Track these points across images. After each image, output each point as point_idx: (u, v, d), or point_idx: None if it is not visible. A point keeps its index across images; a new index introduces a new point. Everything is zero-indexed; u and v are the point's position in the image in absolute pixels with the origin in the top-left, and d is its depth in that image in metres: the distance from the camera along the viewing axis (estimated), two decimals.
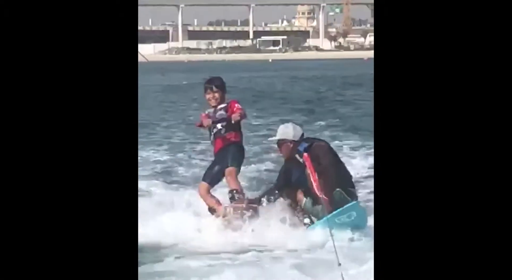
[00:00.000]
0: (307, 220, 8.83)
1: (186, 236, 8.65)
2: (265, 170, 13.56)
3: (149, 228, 8.53)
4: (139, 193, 8.13)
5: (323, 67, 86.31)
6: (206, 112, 9.45)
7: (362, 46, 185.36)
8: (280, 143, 9.06)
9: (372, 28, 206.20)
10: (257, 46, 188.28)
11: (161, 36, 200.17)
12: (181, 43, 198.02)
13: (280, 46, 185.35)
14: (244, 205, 8.82)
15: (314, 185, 8.65)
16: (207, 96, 9.40)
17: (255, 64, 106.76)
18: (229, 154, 9.23)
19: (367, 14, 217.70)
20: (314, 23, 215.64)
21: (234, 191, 9.03)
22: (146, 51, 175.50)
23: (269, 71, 79.05)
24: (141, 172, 12.05)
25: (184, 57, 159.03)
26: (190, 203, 9.62)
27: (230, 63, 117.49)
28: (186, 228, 8.83)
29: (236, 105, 9.27)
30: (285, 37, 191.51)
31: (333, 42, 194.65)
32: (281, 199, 9.01)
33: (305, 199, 8.86)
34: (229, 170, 9.17)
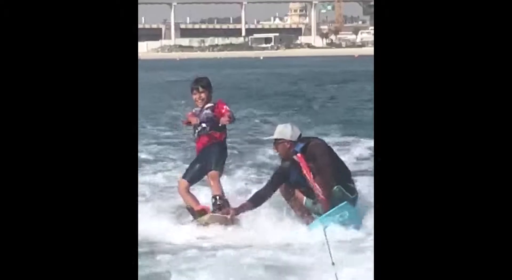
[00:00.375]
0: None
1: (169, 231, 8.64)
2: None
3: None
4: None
5: (314, 64, 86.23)
6: (193, 110, 9.47)
7: (353, 44, 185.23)
8: (277, 142, 9.02)
9: (363, 25, 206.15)
10: (249, 44, 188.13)
11: (154, 34, 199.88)
12: (173, 41, 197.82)
13: (272, 43, 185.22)
14: (228, 216, 8.79)
15: (311, 184, 8.70)
16: (194, 96, 9.43)
17: (246, 62, 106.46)
18: (212, 155, 9.24)
19: (358, 11, 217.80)
20: (306, 21, 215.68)
21: (217, 197, 9.03)
22: (139, 49, 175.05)
23: (260, 68, 79.05)
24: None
25: (176, 55, 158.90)
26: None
27: (220, 61, 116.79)
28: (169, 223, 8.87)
29: (224, 107, 9.24)
30: (277, 34, 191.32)
31: (324, 40, 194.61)
32: (277, 198, 9.01)
33: (305, 198, 8.90)
34: (212, 174, 9.17)
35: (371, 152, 14.73)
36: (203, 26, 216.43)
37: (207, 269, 6.97)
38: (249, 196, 9.14)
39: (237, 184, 11.20)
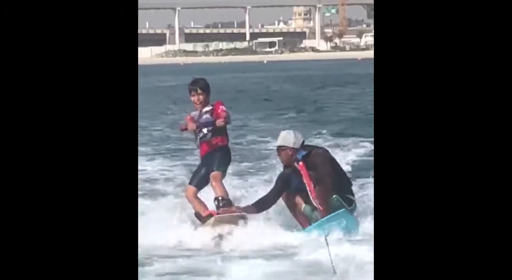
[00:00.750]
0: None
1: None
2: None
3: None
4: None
5: (317, 68, 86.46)
6: (192, 114, 9.35)
7: (357, 47, 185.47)
8: (280, 149, 9.02)
9: (368, 28, 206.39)
10: (254, 48, 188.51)
11: (158, 39, 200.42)
12: (178, 46, 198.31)
13: (276, 47, 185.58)
14: (233, 213, 8.79)
15: (310, 192, 8.71)
16: (192, 98, 9.32)
17: (250, 66, 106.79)
18: (215, 157, 9.17)
19: (362, 14, 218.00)
20: (311, 24, 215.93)
21: (220, 198, 8.94)
22: (143, 54, 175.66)
23: (263, 72, 79.24)
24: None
25: (180, 60, 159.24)
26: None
27: (224, 65, 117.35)
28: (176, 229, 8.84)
29: (221, 107, 9.19)
30: (281, 38, 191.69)
31: (329, 43, 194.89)
32: (279, 203, 9.03)
33: (304, 204, 8.86)
34: (214, 174, 9.10)
35: (366, 152, 14.81)
36: (208, 30, 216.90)
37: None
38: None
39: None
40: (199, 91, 9.26)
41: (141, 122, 22.66)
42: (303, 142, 9.03)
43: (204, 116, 9.22)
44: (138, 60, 5.28)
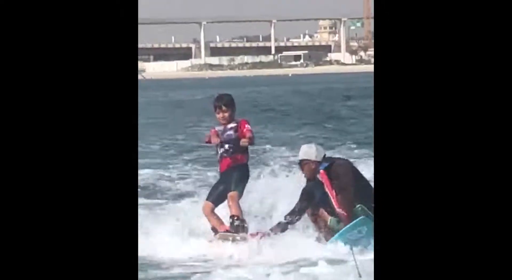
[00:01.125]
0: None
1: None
2: None
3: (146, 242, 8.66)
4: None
5: (343, 81, 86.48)
6: (216, 128, 9.46)
7: None
8: (303, 163, 9.15)
9: None
10: (279, 62, 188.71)
11: (184, 53, 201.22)
12: (203, 60, 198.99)
13: (302, 61, 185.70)
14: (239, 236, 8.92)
15: (333, 200, 8.82)
16: (217, 115, 9.43)
17: (274, 79, 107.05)
18: (233, 176, 9.28)
19: None
20: (336, 38, 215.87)
21: (235, 217, 9.09)
22: (169, 68, 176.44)
23: (288, 85, 79.40)
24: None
25: (206, 73, 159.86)
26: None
27: (249, 79, 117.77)
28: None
29: (246, 126, 9.29)
30: (306, 52, 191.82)
31: (354, 56, 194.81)
32: (304, 216, 9.12)
33: (330, 217, 8.95)
34: (232, 194, 9.21)
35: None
36: (233, 44, 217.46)
37: None
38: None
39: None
40: (223, 108, 9.35)
41: (164, 136, 23.02)
42: (325, 154, 9.12)
43: (228, 133, 9.31)
44: (138, 70, 5.36)
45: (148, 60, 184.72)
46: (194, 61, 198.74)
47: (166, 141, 22.56)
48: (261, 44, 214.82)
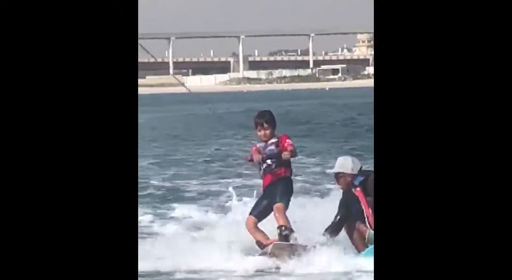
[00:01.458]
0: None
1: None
2: None
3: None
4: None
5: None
6: (257, 145, 9.53)
7: None
8: (339, 175, 9.21)
9: None
10: (317, 75, 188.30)
11: (223, 67, 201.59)
12: (241, 73, 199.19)
13: (339, 74, 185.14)
14: (292, 248, 8.98)
15: (367, 219, 8.91)
16: (258, 132, 9.49)
17: (311, 93, 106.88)
18: (278, 189, 9.32)
19: None
20: None
21: (283, 227, 9.10)
22: (207, 82, 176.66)
23: (325, 98, 79.37)
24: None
25: (244, 87, 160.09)
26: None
27: (286, 92, 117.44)
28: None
29: (287, 141, 9.33)
30: (344, 65, 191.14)
31: None
32: (342, 230, 9.24)
33: (368, 230, 8.99)
34: (278, 206, 9.22)
35: None
36: (271, 58, 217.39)
37: None
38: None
39: None
40: (265, 125, 9.49)
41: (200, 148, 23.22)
42: (361, 167, 9.23)
43: (269, 148, 9.48)
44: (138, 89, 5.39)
45: (186, 74, 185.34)
46: (232, 75, 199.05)
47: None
48: (299, 58, 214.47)
